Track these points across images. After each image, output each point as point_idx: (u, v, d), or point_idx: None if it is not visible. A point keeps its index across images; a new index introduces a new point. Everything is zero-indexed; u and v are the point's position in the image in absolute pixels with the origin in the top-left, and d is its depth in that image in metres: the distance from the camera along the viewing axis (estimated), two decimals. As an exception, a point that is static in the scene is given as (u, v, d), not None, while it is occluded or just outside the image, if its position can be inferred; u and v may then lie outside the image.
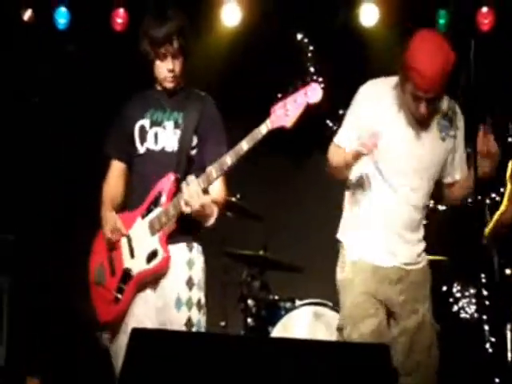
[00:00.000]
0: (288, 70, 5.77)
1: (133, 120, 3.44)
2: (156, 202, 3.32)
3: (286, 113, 3.07)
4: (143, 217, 3.35)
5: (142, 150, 3.42)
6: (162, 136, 3.39)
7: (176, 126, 3.39)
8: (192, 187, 3.17)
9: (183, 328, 3.25)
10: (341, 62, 5.79)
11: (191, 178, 3.21)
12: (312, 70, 6.02)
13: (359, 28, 5.75)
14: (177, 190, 3.29)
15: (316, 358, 2.54)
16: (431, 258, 4.74)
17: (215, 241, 4.34)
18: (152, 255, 3.28)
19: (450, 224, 5.71)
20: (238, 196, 4.82)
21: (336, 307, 4.60)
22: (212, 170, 3.20)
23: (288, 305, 4.76)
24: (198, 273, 3.36)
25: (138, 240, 3.34)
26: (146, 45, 3.37)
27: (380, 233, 3.40)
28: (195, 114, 3.39)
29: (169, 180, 3.30)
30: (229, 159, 3.16)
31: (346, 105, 6.38)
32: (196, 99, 3.45)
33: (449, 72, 3.21)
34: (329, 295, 5.16)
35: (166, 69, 3.36)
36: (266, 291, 4.92)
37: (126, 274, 3.33)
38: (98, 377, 4.53)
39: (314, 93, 3.05)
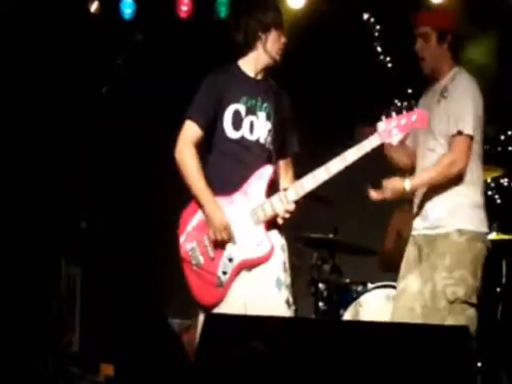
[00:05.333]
0: (354, 52, 5.72)
1: (226, 99, 3.46)
2: (255, 192, 3.41)
3: (393, 131, 3.34)
4: (242, 202, 3.41)
5: (235, 135, 3.46)
6: (257, 126, 3.47)
7: (268, 117, 3.48)
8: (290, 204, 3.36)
9: (284, 307, 3.38)
10: (408, 41, 5.68)
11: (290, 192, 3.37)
12: (379, 49, 5.93)
13: (427, 4, 5.63)
14: (274, 181, 3.44)
15: (395, 341, 2.52)
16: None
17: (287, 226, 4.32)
18: (257, 244, 3.38)
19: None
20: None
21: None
22: (320, 172, 3.36)
23: (360, 288, 4.70)
24: (288, 258, 3.49)
25: (240, 227, 3.40)
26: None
27: None
28: (280, 108, 3.50)
29: (268, 171, 3.42)
30: (336, 165, 3.35)
31: (414, 84, 6.25)
32: (276, 91, 3.54)
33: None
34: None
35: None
36: (337, 274, 4.88)
37: (229, 259, 3.39)
38: (171, 362, 4.57)
39: (420, 118, 3.35)
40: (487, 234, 3.66)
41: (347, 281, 4.82)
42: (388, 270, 5.38)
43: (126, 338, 4.97)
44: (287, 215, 3.38)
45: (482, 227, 3.57)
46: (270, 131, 3.47)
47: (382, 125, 3.36)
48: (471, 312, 3.47)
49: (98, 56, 5.72)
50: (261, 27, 3.49)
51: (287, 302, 3.41)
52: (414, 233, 3.69)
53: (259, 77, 3.53)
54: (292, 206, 3.36)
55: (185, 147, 3.45)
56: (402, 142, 3.44)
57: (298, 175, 3.52)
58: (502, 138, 5.84)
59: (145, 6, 5.93)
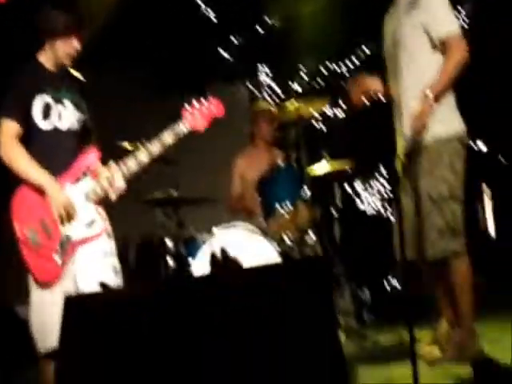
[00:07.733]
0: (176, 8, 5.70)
1: (32, 93, 3.55)
2: (84, 174, 3.60)
3: (197, 118, 3.72)
4: (74, 185, 3.58)
5: (46, 126, 3.57)
6: (66, 115, 3.60)
7: (75, 106, 3.63)
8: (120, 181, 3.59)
9: (111, 274, 3.56)
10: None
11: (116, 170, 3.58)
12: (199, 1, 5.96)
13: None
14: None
15: (254, 285, 2.61)
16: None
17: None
18: (90, 223, 3.58)
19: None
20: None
21: (250, 227, 4.68)
22: (141, 153, 3.61)
23: (206, 236, 4.79)
24: (109, 225, 3.71)
25: (75, 208, 3.56)
26: None
27: None
28: (80, 95, 3.65)
29: (93, 156, 3.63)
30: (155, 147, 3.62)
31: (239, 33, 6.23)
32: (74, 79, 3.65)
33: None
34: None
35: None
36: (183, 228, 4.95)
37: (65, 238, 3.53)
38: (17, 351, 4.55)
39: (218, 107, 3.79)
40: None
41: (192, 232, 4.90)
42: (237, 212, 5.54)
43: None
44: (117, 192, 3.59)
45: None
46: (79, 119, 3.64)
47: (187, 113, 3.73)
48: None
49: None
50: (44, 34, 3.56)
51: (114, 269, 3.59)
52: None
53: (58, 69, 3.63)
54: (122, 184, 3.58)
55: (8, 144, 3.52)
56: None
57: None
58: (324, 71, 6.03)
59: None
